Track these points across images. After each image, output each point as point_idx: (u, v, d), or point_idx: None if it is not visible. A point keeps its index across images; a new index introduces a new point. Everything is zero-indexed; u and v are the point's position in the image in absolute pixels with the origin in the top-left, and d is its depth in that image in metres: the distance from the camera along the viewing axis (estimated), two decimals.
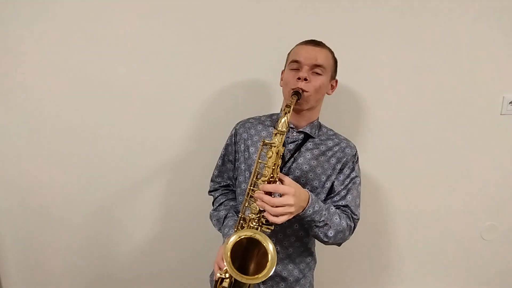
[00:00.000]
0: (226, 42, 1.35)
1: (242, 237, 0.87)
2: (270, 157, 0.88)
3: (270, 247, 0.84)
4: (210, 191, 1.23)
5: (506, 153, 1.48)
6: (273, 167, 0.88)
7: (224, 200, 1.17)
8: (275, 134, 0.90)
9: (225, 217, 1.11)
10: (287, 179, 0.90)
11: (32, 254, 1.53)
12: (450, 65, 1.41)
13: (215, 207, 1.18)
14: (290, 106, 0.92)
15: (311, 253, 1.15)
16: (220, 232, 1.11)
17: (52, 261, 1.54)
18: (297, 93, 0.96)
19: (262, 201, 0.84)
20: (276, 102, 1.38)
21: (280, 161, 0.90)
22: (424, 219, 1.53)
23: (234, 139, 1.15)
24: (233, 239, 0.86)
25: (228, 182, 1.21)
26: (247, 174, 1.09)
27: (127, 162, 1.45)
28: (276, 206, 0.83)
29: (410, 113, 1.44)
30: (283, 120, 0.90)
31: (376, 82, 1.40)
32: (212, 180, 1.23)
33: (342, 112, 1.42)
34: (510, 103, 1.43)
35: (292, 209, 0.84)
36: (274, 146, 0.89)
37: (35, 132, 1.39)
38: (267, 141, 0.91)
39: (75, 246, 1.52)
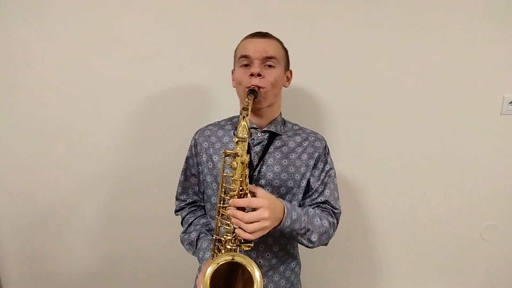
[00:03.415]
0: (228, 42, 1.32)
1: (221, 263, 0.79)
2: (235, 169, 0.80)
3: (256, 274, 0.78)
4: (176, 211, 1.13)
5: (506, 153, 1.46)
6: (241, 179, 0.81)
7: (192, 219, 1.07)
8: (237, 142, 0.82)
9: (197, 239, 1.02)
10: (259, 191, 0.83)
11: (32, 254, 1.54)
12: (449, 65, 1.39)
13: (184, 229, 1.08)
14: (247, 109, 0.83)
15: (294, 258, 1.07)
16: (195, 256, 1.03)
17: (52, 261, 1.55)
18: (253, 92, 0.89)
19: (236, 217, 0.78)
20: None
21: (247, 171, 0.83)
22: (424, 219, 1.53)
23: (195, 151, 1.06)
24: (210, 270, 0.79)
25: (195, 198, 1.11)
26: (214, 186, 1.00)
27: (129, 163, 1.46)
28: (251, 222, 0.76)
29: (410, 113, 1.44)
30: (242, 124, 0.81)
31: (376, 83, 1.41)
32: (177, 199, 1.13)
33: (342, 112, 1.44)
34: (510, 103, 1.40)
35: (267, 223, 0.78)
36: (238, 156, 0.81)
37: (36, 132, 1.42)
38: (229, 151, 0.82)
39: (75, 246, 1.53)
